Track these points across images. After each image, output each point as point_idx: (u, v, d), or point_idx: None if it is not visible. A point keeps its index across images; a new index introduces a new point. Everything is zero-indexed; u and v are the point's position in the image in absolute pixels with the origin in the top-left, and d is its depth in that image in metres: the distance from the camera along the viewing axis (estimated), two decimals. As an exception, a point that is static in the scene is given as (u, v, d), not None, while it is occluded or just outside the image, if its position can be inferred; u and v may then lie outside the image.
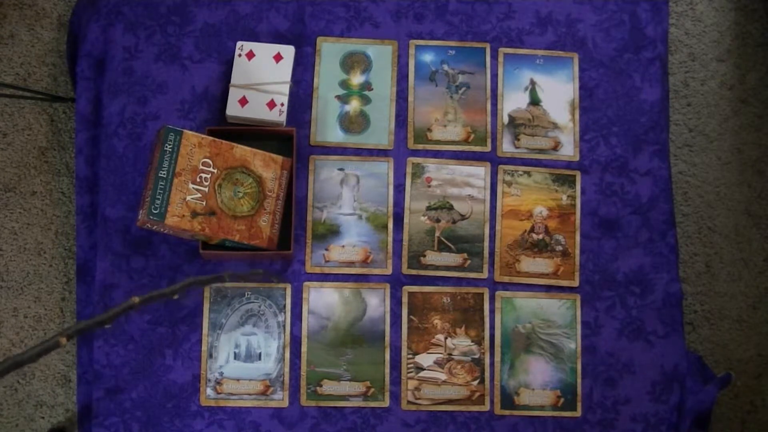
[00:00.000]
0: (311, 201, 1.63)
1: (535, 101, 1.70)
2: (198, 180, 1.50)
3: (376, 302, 1.61)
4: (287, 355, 1.59)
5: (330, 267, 1.62)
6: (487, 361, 1.61)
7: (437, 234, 1.64)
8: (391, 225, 1.64)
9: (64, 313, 1.76)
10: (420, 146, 1.67)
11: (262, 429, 1.57)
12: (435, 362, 1.60)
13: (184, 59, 1.66)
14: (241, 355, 1.59)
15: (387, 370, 1.60)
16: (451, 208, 1.65)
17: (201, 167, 1.51)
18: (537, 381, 1.61)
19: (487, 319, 1.62)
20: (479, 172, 1.66)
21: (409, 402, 1.59)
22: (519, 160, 1.67)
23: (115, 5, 1.67)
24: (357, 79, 1.68)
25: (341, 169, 1.65)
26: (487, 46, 1.70)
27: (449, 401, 1.60)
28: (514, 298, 1.63)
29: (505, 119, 1.69)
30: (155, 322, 1.59)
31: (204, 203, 1.51)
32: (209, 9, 1.68)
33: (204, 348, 1.59)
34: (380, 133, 1.67)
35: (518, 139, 1.68)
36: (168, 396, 1.57)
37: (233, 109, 1.61)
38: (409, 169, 1.66)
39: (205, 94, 1.66)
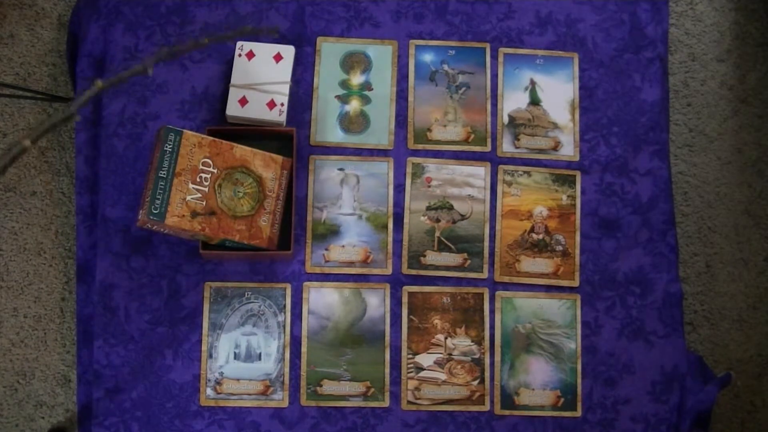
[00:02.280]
0: (311, 201, 1.63)
1: (535, 101, 1.70)
2: (198, 180, 1.50)
3: (376, 302, 1.61)
4: (287, 355, 1.59)
5: (330, 267, 1.62)
6: (487, 361, 1.61)
7: (437, 234, 1.64)
8: (391, 225, 1.64)
9: (64, 313, 1.76)
10: (420, 146, 1.67)
11: (262, 429, 1.57)
12: (435, 362, 1.60)
13: (184, 59, 1.66)
14: (241, 355, 1.59)
15: (387, 370, 1.60)
16: (451, 208, 1.65)
17: (201, 167, 1.51)
18: (537, 381, 1.61)
19: (487, 319, 1.62)
20: (479, 172, 1.66)
21: (409, 402, 1.59)
22: (519, 160, 1.67)
23: (115, 5, 1.67)
24: (357, 79, 1.68)
25: (341, 169, 1.65)
26: (487, 46, 1.70)
27: (449, 401, 1.60)
28: (514, 298, 1.63)
29: (505, 119, 1.69)
30: (155, 322, 1.59)
31: (204, 203, 1.50)
32: (209, 9, 1.68)
33: (204, 348, 1.58)
34: (380, 133, 1.67)
35: (518, 139, 1.68)
36: (168, 396, 1.57)
37: (233, 109, 1.61)
38: (409, 169, 1.66)
39: (205, 94, 1.66)
